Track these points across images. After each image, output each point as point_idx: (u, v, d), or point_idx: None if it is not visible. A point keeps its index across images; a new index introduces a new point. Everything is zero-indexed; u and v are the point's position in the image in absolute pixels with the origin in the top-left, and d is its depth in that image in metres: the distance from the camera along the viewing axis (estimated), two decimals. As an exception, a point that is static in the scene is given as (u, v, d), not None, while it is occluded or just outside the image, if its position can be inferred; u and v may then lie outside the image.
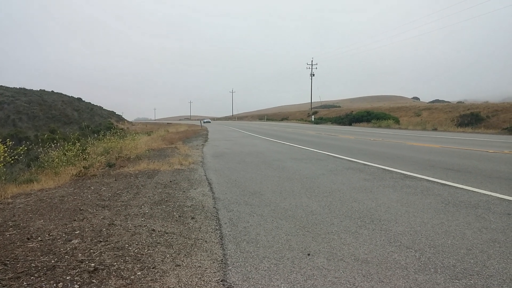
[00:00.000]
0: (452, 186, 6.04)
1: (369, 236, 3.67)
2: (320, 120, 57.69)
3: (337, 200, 5.23)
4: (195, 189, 6.25)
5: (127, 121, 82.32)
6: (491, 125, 29.97)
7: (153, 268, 3.01)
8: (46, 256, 3.21)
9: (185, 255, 3.29)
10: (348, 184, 6.43)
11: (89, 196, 5.68)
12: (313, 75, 72.78)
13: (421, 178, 6.83)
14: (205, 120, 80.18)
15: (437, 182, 6.36)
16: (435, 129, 29.81)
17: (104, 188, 6.28)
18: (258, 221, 4.32)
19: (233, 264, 3.10)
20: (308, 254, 3.25)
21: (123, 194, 5.79)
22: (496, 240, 3.46)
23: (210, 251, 3.39)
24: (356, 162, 9.30)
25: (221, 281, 2.79)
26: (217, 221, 4.34)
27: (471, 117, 32.91)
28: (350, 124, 45.34)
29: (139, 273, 2.92)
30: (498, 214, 4.33)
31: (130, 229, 3.98)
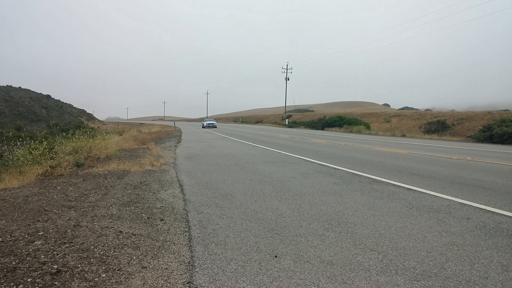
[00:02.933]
0: (416, 191, 6.24)
1: (335, 239, 3.75)
2: (293, 124, 58.20)
3: (306, 203, 5.31)
4: (165, 190, 6.20)
5: (98, 120, 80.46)
6: (456, 133, 31.09)
7: (118, 270, 2.97)
8: (7, 257, 3.12)
9: (152, 257, 3.27)
10: (318, 187, 6.54)
11: (55, 196, 5.53)
12: (288, 79, 73.41)
13: (388, 182, 7.02)
14: (207, 122, 51.61)
15: (403, 187, 6.56)
16: (404, 136, 30.64)
17: (71, 188, 6.13)
18: (228, 223, 4.34)
19: (201, 266, 3.10)
20: (276, 256, 3.29)
21: (91, 195, 5.67)
22: (454, 243, 3.61)
23: (178, 253, 3.38)
24: (327, 166, 9.46)
25: (187, 283, 2.79)
26: (187, 223, 4.33)
27: (438, 125, 34.04)
28: (323, 129, 45.96)
29: (104, 275, 2.88)
30: (457, 218, 4.52)
31: (96, 231, 3.92)
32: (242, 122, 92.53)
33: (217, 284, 2.78)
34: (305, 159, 10.91)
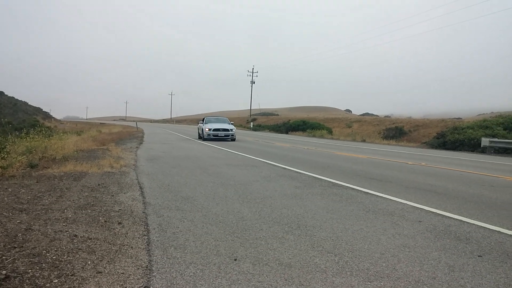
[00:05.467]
0: (373, 194, 6.46)
1: (294, 242, 3.82)
2: (258, 127, 58.53)
3: (268, 207, 5.36)
4: (124, 193, 6.07)
5: (55, 119, 77.40)
6: (412, 139, 32.41)
7: (71, 275, 2.88)
8: (-50, 263, 2.95)
9: (108, 261, 3.19)
10: (280, 191, 6.62)
11: (5, 198, 5.28)
12: (254, 83, 73.76)
13: (347, 186, 7.22)
14: (213, 126, 23.02)
15: (361, 191, 6.77)
16: (364, 141, 31.56)
17: (23, 190, 5.87)
18: (188, 226, 4.31)
19: (158, 270, 3.07)
20: (235, 259, 3.31)
21: (45, 197, 5.46)
22: (406, 245, 3.77)
23: (136, 257, 3.32)
24: (289, 169, 9.59)
25: (144, 287, 2.75)
26: (146, 227, 4.26)
27: (396, 131, 35.36)
28: (287, 132, 46.51)
29: (56, 280, 2.78)
30: (410, 221, 4.72)
31: (49, 235, 3.77)
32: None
33: (175, 288, 2.75)
34: (269, 163, 11.01)
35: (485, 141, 22.86)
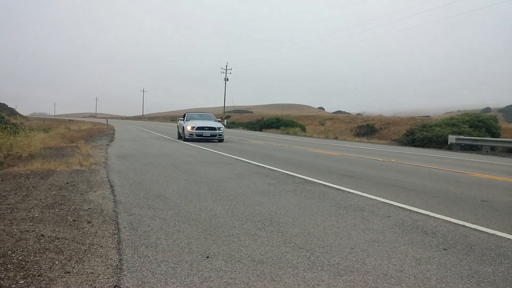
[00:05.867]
0: (345, 191, 6.58)
1: (267, 238, 3.84)
2: (232, 125, 58.41)
3: (241, 204, 5.37)
4: (94, 191, 5.93)
5: (21, 116, 74.70)
6: (383, 136, 33.18)
7: (38, 276, 2.80)
8: None
9: (76, 261, 3.12)
10: (253, 188, 6.64)
11: (-32, 198, 5.06)
12: (227, 80, 73.54)
13: (319, 183, 7.32)
14: (197, 124, 19.36)
15: (333, 187, 6.88)
16: (336, 138, 32.07)
17: (-13, 190, 5.64)
18: (160, 224, 4.26)
19: (129, 269, 3.02)
20: (207, 257, 3.30)
21: (10, 196, 5.27)
22: (375, 240, 3.87)
23: (105, 257, 3.26)
24: (262, 167, 9.63)
25: (114, 287, 2.71)
26: (116, 225, 4.18)
27: (367, 128, 36.10)
28: (260, 130, 46.64)
29: (22, 281, 2.70)
30: (380, 217, 4.84)
31: (15, 235, 3.65)
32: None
33: (146, 287, 2.72)
34: (242, 160, 11.01)
35: (451, 138, 23.67)
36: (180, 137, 21.04)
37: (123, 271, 2.98)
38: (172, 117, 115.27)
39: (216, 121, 20.91)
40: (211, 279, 2.86)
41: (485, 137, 24.43)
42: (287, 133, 38.34)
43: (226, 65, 73.82)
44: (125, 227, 4.12)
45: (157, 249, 3.47)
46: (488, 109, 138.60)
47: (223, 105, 74.34)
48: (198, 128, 19.03)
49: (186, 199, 5.60)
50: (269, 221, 4.50)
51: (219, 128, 19.48)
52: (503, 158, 18.48)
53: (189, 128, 19.13)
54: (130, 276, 2.90)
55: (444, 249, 3.66)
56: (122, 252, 3.38)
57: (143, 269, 3.03)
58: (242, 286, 2.73)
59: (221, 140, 19.39)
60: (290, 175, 8.32)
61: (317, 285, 2.76)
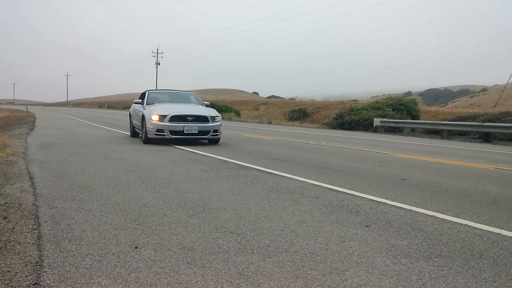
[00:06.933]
0: (277, 174, 6.74)
1: (199, 225, 3.83)
2: (165, 110, 56.91)
3: (172, 191, 5.28)
4: (11, 184, 5.48)
5: None
6: (314, 120, 34.43)
7: None
8: None
9: (-11, 261, 2.87)
10: (186, 175, 6.55)
11: None
12: (159, 64, 71.35)
13: (252, 167, 7.42)
14: (161, 106, 11.55)
15: (265, 171, 7.01)
16: (270, 122, 32.64)
17: None
18: (85, 217, 4.06)
19: (50, 265, 2.85)
20: (136, 247, 3.21)
21: None
22: (304, 221, 4.02)
23: (24, 254, 3.04)
24: (196, 153, 9.53)
25: (33, 284, 2.54)
26: (36, 220, 3.91)
27: (300, 113, 37.21)
28: (195, 115, 46.02)
29: None
30: (309, 198, 5.04)
31: None
32: (109, 107, 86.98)
33: (68, 283, 2.59)
34: (175, 147, 10.80)
35: (376, 121, 25.18)
36: (135, 134, 13.38)
37: (44, 268, 2.80)
38: (100, 103, 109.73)
39: (202, 105, 12.86)
40: (140, 269, 2.79)
41: (406, 119, 26.32)
42: (222, 118, 38.31)
43: (157, 49, 71.47)
44: (46, 221, 3.87)
45: (82, 243, 3.31)
46: (409, 93, 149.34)
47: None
48: (174, 119, 10.86)
49: (115, 189, 5.38)
50: (201, 207, 4.48)
51: (213, 119, 11.38)
52: (422, 139, 20.08)
53: (155, 118, 10.87)
54: (51, 272, 2.73)
55: (366, 226, 3.91)
56: (43, 248, 3.17)
57: (65, 264, 2.87)
58: (172, 274, 2.70)
59: (215, 141, 11.74)
60: (224, 160, 8.33)
61: (247, 268, 2.82)
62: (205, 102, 13.37)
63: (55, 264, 2.86)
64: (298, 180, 6.28)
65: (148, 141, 11.31)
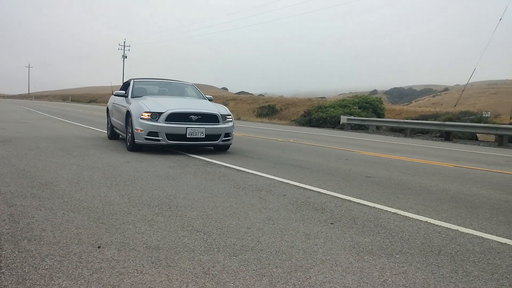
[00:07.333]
0: (244, 171, 6.75)
1: (164, 223, 3.78)
2: (132, 105, 55.69)
3: (138, 189, 5.18)
4: (-34, 181, 5.22)
5: None
6: (283, 117, 34.69)
7: None
8: None
9: None
10: (152, 171, 6.45)
11: None
12: (126, 57, 69.67)
13: (220, 164, 7.39)
14: (153, 100, 8.67)
15: (233, 168, 7.01)
16: (239, 119, 32.63)
17: None
18: (46, 215, 3.92)
19: (8, 266, 2.74)
20: (99, 247, 3.14)
21: None
22: (271, 218, 4.06)
23: (-22, 255, 2.90)
24: (162, 149, 9.38)
25: (-12, 288, 2.43)
26: (-7, 219, 3.74)
27: (269, 109, 37.38)
28: (163, 110, 45.35)
29: None
30: (276, 195, 5.08)
31: None
32: (73, 100, 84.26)
33: (27, 284, 2.50)
34: (141, 142, 10.58)
35: (343, 119, 25.69)
36: (114, 135, 10.90)
37: (1, 269, 2.69)
38: (64, 96, 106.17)
39: (205, 99, 10.15)
40: (102, 270, 2.72)
41: (372, 117, 26.98)
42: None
43: (124, 42, 69.74)
44: (4, 220, 3.71)
45: (42, 242, 3.19)
46: (375, 91, 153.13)
47: (122, 84, 70.39)
48: (173, 117, 8.16)
49: (77, 186, 5.23)
50: (167, 205, 4.43)
51: (224, 118, 8.73)
52: (386, 137, 20.66)
53: (146, 116, 8.12)
54: (9, 273, 2.63)
55: (331, 223, 3.99)
56: (0, 248, 3.04)
57: (24, 265, 2.77)
58: (136, 274, 2.66)
59: (225, 147, 9.26)
60: (191, 157, 8.25)
61: (213, 266, 2.81)
62: (207, 96, 10.39)
63: (13, 265, 2.75)
64: (266, 177, 6.32)
65: (135, 148, 8.45)
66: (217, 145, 8.81)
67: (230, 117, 9.00)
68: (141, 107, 8.30)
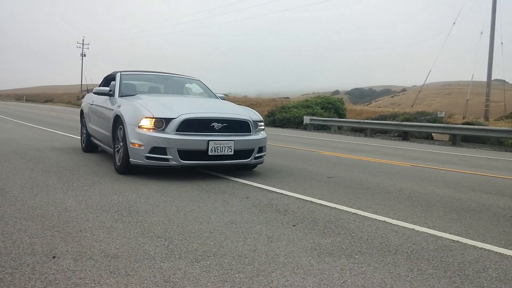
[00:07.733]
0: (207, 173, 6.69)
1: (124, 230, 3.68)
2: (91, 104, 53.87)
3: (96, 194, 5.01)
4: None
5: None
6: (248, 117, 34.77)
7: None
8: None
9: None
10: (111, 175, 6.26)
11: None
12: (84, 55, 67.38)
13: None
14: (153, 99, 6.33)
15: (196, 170, 6.93)
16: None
17: None
18: (-4, 224, 3.71)
19: (-48, 282, 2.56)
20: (54, 257, 3.00)
21: None
22: (234, 222, 4.04)
23: None
24: (123, 151, 9.13)
25: None
26: None
27: (233, 109, 37.35)
28: (124, 110, 44.16)
29: None
30: (239, 198, 5.07)
31: None
32: (28, 100, 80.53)
33: (-27, 301, 2.35)
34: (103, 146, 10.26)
35: (306, 119, 26.08)
36: (92, 147, 8.78)
37: None
38: (17, 96, 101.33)
39: (217, 98, 8.23)
40: (57, 281, 2.61)
41: (334, 117, 27.57)
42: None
43: (83, 40, 67.46)
44: None
45: (-9, 254, 3.02)
46: (337, 92, 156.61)
47: (80, 83, 67.99)
48: (188, 125, 5.78)
49: (31, 192, 4.99)
50: (127, 211, 4.31)
51: (256, 126, 6.63)
52: (347, 137, 21.18)
53: (147, 124, 5.73)
54: (-48, 290, 2.46)
55: (293, 225, 4.02)
56: None
57: (-30, 280, 2.60)
58: (93, 285, 2.56)
59: (254, 166, 7.11)
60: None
61: (174, 274, 2.76)
62: (218, 94, 8.38)
63: (-43, 281, 2.59)
64: (229, 179, 6.29)
65: (128, 170, 6.18)
66: (248, 164, 6.60)
67: (262, 124, 6.84)
68: (139, 111, 5.88)
